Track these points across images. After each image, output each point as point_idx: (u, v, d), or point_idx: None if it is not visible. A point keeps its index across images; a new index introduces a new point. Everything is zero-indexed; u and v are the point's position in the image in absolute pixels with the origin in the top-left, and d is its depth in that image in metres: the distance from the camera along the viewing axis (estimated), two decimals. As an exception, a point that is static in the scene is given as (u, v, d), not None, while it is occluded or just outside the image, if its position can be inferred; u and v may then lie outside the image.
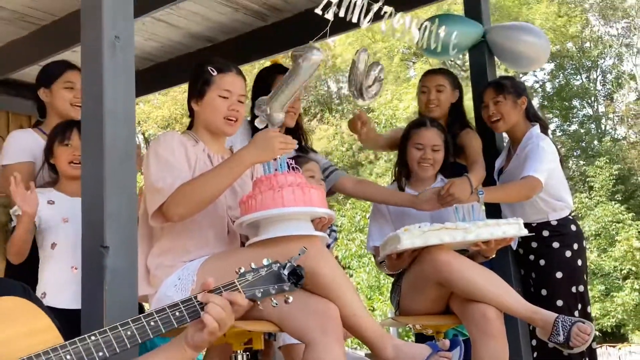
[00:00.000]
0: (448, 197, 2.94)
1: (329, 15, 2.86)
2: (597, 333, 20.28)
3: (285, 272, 1.68)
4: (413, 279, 2.86)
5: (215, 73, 2.45)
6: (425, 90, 3.57)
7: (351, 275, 15.97)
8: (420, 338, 3.16)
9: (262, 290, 1.65)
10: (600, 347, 19.43)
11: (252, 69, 24.30)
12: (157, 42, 4.82)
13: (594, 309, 19.16)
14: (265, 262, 1.69)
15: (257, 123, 2.78)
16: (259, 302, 1.65)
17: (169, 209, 2.22)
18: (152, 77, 5.11)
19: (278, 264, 1.69)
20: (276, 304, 1.68)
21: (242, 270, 1.65)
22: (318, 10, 2.86)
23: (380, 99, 21.94)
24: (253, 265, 1.67)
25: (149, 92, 6.40)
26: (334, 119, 25.52)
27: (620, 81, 27.06)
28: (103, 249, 1.79)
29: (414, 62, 24.32)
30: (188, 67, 4.39)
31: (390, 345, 2.22)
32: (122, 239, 1.85)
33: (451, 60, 16.85)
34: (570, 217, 3.39)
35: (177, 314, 1.54)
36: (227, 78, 2.46)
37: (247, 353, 2.29)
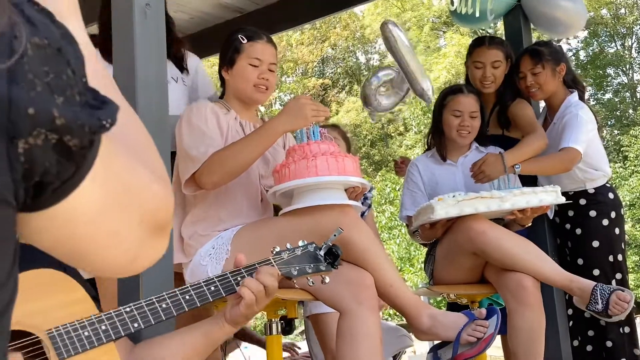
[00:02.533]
0: (480, 175, 2.89)
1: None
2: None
3: (322, 252, 1.68)
4: (447, 248, 2.83)
5: (245, 41, 2.44)
6: (480, 67, 3.34)
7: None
8: (454, 307, 3.13)
9: (298, 268, 1.65)
10: (636, 317, 19.24)
11: (279, 41, 24.13)
12: (187, 14, 4.79)
13: (629, 280, 18.95)
14: (301, 243, 1.69)
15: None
16: (294, 280, 1.65)
17: (202, 177, 2.22)
18: (182, 49, 5.10)
19: (314, 245, 1.69)
20: (312, 283, 1.68)
21: (277, 249, 1.65)
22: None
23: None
24: (289, 245, 1.67)
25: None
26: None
27: (656, 48, 26.37)
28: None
29: (444, 32, 23.96)
30: (218, 39, 4.36)
31: (426, 314, 2.21)
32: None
33: (482, 29, 16.54)
34: (607, 185, 3.32)
35: (212, 288, 1.55)
36: (258, 46, 2.45)
37: (282, 322, 2.30)
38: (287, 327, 2.33)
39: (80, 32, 0.68)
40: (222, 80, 2.51)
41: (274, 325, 2.26)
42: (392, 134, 23.54)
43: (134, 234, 0.60)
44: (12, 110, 0.45)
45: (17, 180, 0.47)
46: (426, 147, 3.35)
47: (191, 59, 3.10)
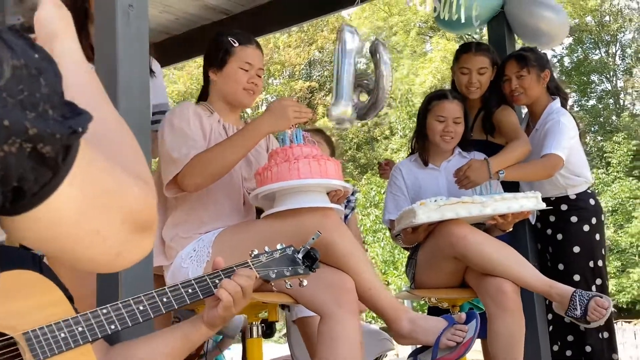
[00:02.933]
0: (464, 180, 2.90)
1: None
2: (613, 309, 20.34)
3: (300, 255, 1.68)
4: (429, 253, 2.85)
5: (236, 44, 2.45)
6: (466, 72, 3.36)
7: (366, 250, 16.03)
8: (435, 311, 3.15)
9: (276, 271, 1.65)
10: (616, 322, 19.41)
11: (267, 43, 24.09)
12: (172, 15, 4.78)
13: (610, 285, 19.10)
14: (279, 246, 1.69)
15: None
16: (272, 283, 1.65)
17: (184, 179, 2.22)
18: (166, 50, 5.08)
19: (292, 248, 1.69)
20: (290, 286, 1.68)
21: (255, 252, 1.66)
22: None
23: (397, 73, 21.79)
24: (267, 249, 1.68)
25: (164, 66, 6.34)
26: (349, 94, 25.37)
27: (639, 56, 26.65)
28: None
29: (430, 37, 24.07)
30: (204, 40, 4.35)
31: (406, 318, 2.22)
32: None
33: (467, 35, 16.63)
34: (589, 191, 3.35)
35: (189, 290, 1.54)
36: (248, 51, 2.47)
37: (263, 325, 2.30)
38: (268, 330, 2.33)
39: (75, 50, 0.82)
40: (207, 80, 2.51)
41: (254, 328, 2.27)
42: (378, 138, 23.59)
43: (116, 233, 0.66)
44: None
45: None
46: (410, 151, 3.37)
47: (155, 64, 3.09)
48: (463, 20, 3.30)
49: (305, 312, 2.73)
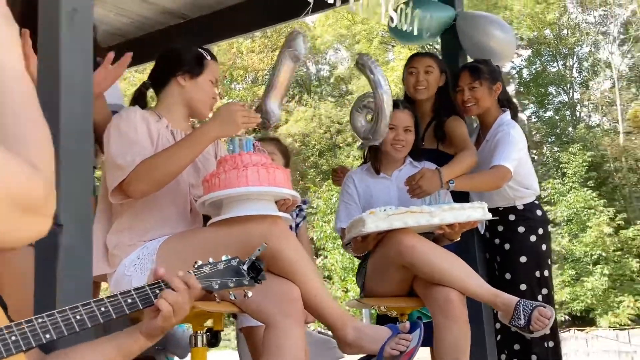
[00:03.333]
0: (417, 189, 2.93)
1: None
2: (567, 317, 20.67)
3: (245, 267, 1.67)
4: (378, 261, 2.86)
5: (209, 58, 2.52)
6: (413, 72, 3.48)
7: (326, 257, 16.05)
8: (385, 320, 3.17)
9: (219, 282, 1.64)
10: (569, 330, 19.78)
11: (230, 48, 23.98)
12: (128, 18, 4.72)
13: (565, 294, 19.47)
14: (224, 257, 1.68)
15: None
16: (215, 294, 1.64)
17: (129, 185, 2.18)
18: (122, 53, 5.02)
19: (237, 259, 1.68)
20: (235, 297, 1.67)
21: (199, 263, 1.64)
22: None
23: (360, 82, 21.91)
24: (211, 260, 1.66)
25: (121, 69, 6.29)
26: (312, 101, 25.44)
27: (595, 69, 27.31)
28: (57, 228, 1.75)
29: (393, 46, 24.28)
30: (161, 44, 4.29)
31: (351, 326, 2.22)
32: (77, 217, 1.81)
33: (430, 44, 16.82)
34: (536, 202, 3.41)
35: (129, 300, 1.51)
36: (215, 67, 2.56)
37: (208, 334, 2.28)
38: (213, 339, 2.31)
39: (18, 61, 0.93)
40: (166, 83, 2.50)
41: (199, 338, 2.24)
42: (341, 145, 23.67)
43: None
44: None
45: None
46: (363, 160, 3.39)
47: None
48: (415, 33, 3.35)
49: (252, 321, 2.72)
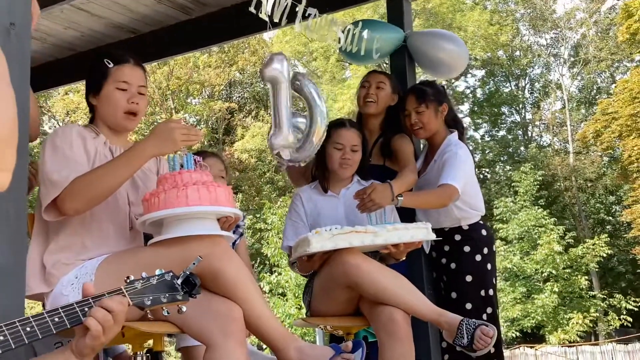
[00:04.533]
0: (369, 203, 2.94)
1: (262, 14, 2.85)
2: (518, 334, 20.92)
3: (179, 281, 1.64)
4: (324, 281, 2.86)
5: (111, 65, 2.37)
6: (365, 85, 3.60)
7: (280, 274, 15.96)
8: (337, 340, 3.17)
9: (151, 298, 1.59)
10: (519, 347, 20.04)
11: (186, 62, 23.77)
12: (78, 32, 4.67)
13: (516, 311, 19.73)
14: (157, 272, 1.64)
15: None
16: (147, 310, 1.60)
17: (64, 202, 2.13)
18: (72, 66, 4.96)
19: (171, 274, 1.64)
20: (168, 313, 1.63)
21: (131, 279, 1.60)
22: (252, 9, 2.85)
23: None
24: (144, 274, 1.62)
25: (70, 82, 6.20)
26: (269, 117, 25.40)
27: (547, 90, 28.01)
28: (-12, 246, 1.70)
29: (349, 63, 24.47)
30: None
31: (293, 347, 2.20)
32: (9, 236, 1.76)
33: (386, 63, 17.02)
34: (480, 222, 3.46)
35: (56, 319, 1.46)
36: (124, 69, 2.39)
37: (148, 354, 2.24)
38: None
39: None
40: (91, 106, 2.44)
41: (139, 359, 2.20)
42: (297, 161, 23.65)
43: None
44: None
45: None
46: (311, 178, 3.39)
47: None
48: (362, 53, 3.39)
49: (190, 341, 2.68)
